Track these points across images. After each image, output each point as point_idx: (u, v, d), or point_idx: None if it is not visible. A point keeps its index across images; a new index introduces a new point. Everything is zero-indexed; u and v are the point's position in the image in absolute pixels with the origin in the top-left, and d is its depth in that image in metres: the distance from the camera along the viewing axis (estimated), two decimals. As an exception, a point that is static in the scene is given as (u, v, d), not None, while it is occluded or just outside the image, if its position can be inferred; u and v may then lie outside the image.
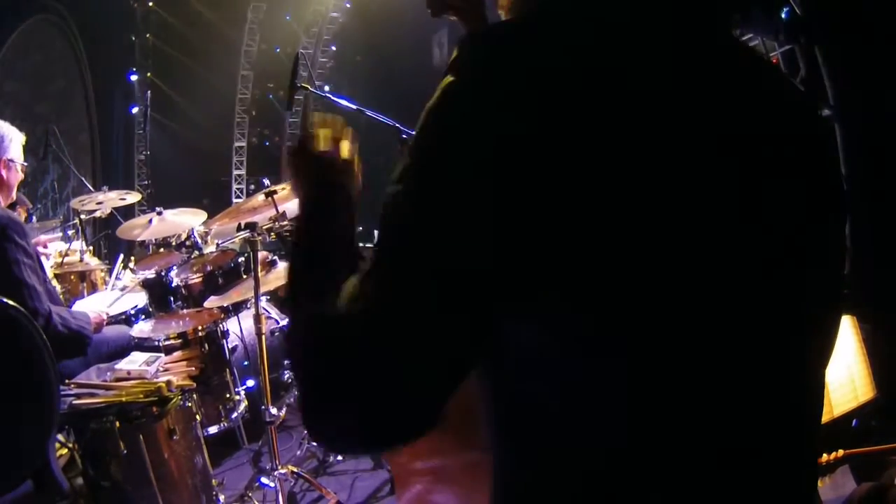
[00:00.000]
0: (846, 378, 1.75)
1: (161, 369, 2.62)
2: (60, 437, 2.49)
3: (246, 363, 3.57)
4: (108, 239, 6.79)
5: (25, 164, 2.95)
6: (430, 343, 0.56)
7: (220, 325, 3.23)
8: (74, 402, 2.25)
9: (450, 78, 0.59)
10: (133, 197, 4.21)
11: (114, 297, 3.55)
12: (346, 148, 0.82)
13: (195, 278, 3.62)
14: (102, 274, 4.15)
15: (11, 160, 2.86)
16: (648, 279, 0.57)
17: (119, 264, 4.24)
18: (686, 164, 0.59)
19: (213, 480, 2.59)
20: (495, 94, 0.57)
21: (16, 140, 2.88)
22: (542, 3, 0.66)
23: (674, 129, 0.59)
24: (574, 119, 0.56)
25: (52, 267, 3.73)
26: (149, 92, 8.77)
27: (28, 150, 3.04)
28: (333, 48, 10.17)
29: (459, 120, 0.58)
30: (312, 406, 0.61)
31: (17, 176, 2.92)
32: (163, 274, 3.49)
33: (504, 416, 0.66)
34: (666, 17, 0.64)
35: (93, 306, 3.27)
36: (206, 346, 3.15)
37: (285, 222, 2.97)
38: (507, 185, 0.55)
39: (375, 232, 0.61)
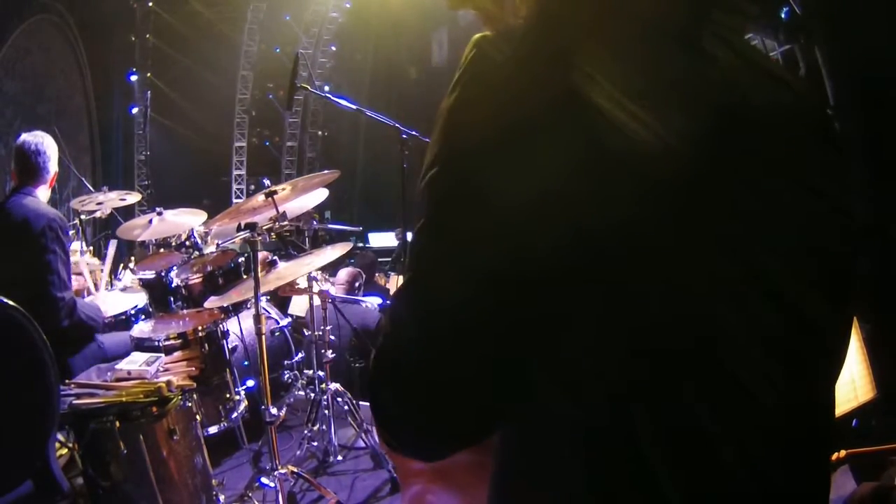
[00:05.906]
0: (846, 378, 1.75)
1: (161, 369, 2.62)
2: (60, 437, 2.50)
3: (246, 363, 3.57)
4: (107, 239, 6.78)
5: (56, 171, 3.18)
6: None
7: (220, 325, 3.23)
8: (74, 402, 2.25)
9: (456, 91, 0.64)
10: (133, 197, 4.20)
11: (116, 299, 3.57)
12: None
13: (195, 278, 3.61)
14: (102, 274, 4.14)
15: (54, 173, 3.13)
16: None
17: (121, 267, 4.25)
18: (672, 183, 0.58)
19: (213, 480, 2.58)
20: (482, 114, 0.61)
21: (54, 152, 3.13)
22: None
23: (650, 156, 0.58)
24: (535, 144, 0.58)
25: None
26: (149, 92, 8.78)
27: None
28: (333, 48, 10.18)
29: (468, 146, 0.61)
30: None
31: None
32: (163, 274, 3.48)
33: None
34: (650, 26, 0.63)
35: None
36: (206, 346, 3.15)
37: (285, 222, 2.96)
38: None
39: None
